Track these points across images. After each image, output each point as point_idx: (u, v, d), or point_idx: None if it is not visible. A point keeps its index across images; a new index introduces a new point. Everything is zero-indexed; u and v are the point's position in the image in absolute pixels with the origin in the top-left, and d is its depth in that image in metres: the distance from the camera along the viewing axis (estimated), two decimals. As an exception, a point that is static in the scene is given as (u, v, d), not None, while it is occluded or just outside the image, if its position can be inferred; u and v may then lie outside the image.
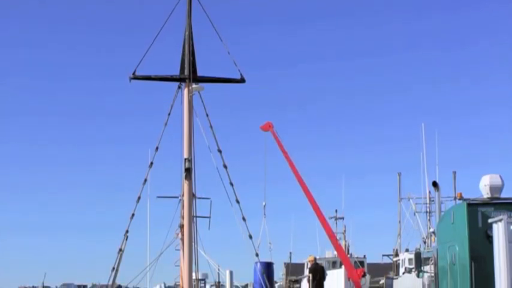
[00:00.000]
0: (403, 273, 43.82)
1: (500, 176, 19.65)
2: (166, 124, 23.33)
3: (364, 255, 55.59)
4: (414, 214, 56.11)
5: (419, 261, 24.70)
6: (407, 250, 50.44)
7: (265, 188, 52.22)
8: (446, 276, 19.18)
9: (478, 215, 18.28)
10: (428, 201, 54.07)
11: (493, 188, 19.25)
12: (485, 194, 19.27)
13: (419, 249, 45.17)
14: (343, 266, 38.83)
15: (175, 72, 21.34)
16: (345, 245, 58.80)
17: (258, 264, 27.54)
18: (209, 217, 31.80)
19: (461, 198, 19.39)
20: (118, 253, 22.22)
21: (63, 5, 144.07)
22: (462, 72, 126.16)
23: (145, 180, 23.04)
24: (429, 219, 53.82)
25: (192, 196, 21.36)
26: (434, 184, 23.02)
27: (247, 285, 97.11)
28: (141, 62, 21.14)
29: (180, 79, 21.32)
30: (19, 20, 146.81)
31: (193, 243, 20.47)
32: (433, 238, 39.39)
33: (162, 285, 38.28)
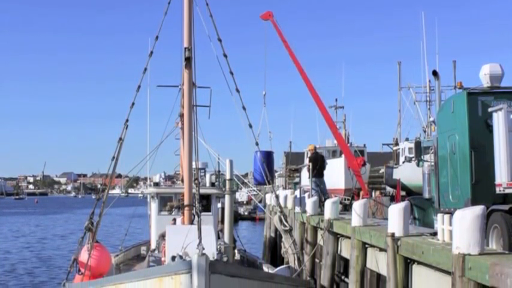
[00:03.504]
0: (403, 162, 44.07)
1: (500, 65, 19.50)
2: (166, 13, 23.12)
3: (364, 144, 55.93)
4: (414, 103, 56.19)
5: (419, 150, 24.79)
6: (407, 139, 50.68)
7: (265, 77, 52.45)
8: (446, 165, 19.24)
9: (478, 104, 18.20)
10: (428, 90, 54.11)
11: (493, 77, 19.12)
12: (485, 83, 19.15)
13: (419, 138, 45.42)
14: (343, 155, 39.05)
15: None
16: (345, 134, 59.13)
17: (258, 153, 27.68)
18: (209, 106, 32.02)
19: (461, 87, 19.27)
20: (118, 142, 22.28)
21: None
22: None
23: (145, 69, 22.97)
24: (429, 109, 53.95)
25: (192, 85, 21.28)
26: (434, 73, 22.83)
27: (247, 174, 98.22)
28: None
29: (179, -33, 21.02)
30: None
31: (193, 132, 20.48)
32: (433, 127, 39.52)
33: (162, 174, 38.51)
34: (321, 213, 26.06)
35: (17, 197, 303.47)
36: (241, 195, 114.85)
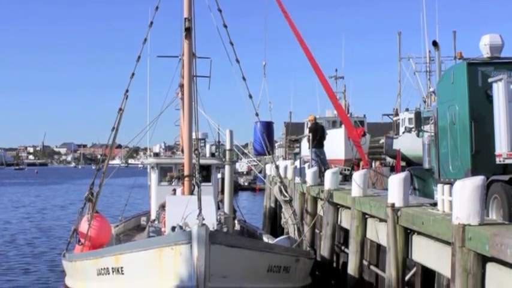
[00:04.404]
0: (403, 132, 44.15)
1: (500, 36, 19.44)
2: (165, -17, 23.03)
3: (364, 115, 56.10)
4: (414, 74, 56.19)
5: (420, 121, 24.75)
6: (407, 109, 50.73)
7: (265, 48, 52.37)
8: (446, 136, 19.23)
9: (478, 75, 18.15)
10: (428, 61, 54.09)
11: (493, 48, 19.07)
12: (485, 53, 19.10)
13: (419, 108, 45.42)
14: (343, 126, 39.03)
15: None
16: (345, 104, 59.09)
17: (258, 123, 27.68)
18: (209, 76, 31.92)
19: (461, 57, 19.20)
20: (118, 113, 22.29)
21: None
22: None
23: (145, 39, 22.93)
24: (429, 79, 53.98)
25: (192, 55, 21.24)
26: (434, 43, 22.77)
27: (247, 144, 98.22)
28: None
29: None
30: None
31: (193, 103, 20.46)
32: (433, 98, 39.45)
33: (162, 145, 38.51)
34: (321, 183, 26.05)
35: (17, 167, 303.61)
36: (241, 165, 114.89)
